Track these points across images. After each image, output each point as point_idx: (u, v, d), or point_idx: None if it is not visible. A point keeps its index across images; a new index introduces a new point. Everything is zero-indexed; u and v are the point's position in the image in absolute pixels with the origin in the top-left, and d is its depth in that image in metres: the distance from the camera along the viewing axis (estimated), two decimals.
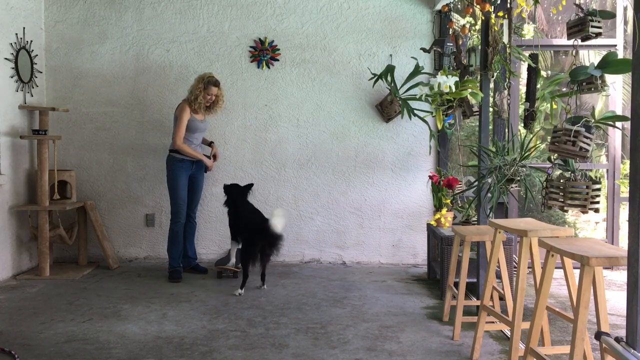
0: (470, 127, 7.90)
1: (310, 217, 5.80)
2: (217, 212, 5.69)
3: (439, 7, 5.51)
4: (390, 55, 5.75)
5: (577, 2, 3.10)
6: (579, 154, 2.93)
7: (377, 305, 4.36)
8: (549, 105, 3.56)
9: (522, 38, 6.70)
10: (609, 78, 3.25)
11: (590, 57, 8.64)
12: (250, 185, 5.06)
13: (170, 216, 5.17)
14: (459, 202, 5.20)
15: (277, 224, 4.61)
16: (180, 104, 5.10)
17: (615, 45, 5.61)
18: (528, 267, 4.16)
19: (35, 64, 5.55)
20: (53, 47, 5.77)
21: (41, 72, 5.68)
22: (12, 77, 5.17)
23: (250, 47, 5.77)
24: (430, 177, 5.25)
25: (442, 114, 4.83)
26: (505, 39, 3.83)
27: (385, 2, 5.75)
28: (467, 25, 4.90)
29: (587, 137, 2.93)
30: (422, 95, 4.52)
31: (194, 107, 5.02)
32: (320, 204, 5.81)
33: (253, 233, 4.69)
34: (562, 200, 3.10)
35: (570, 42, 3.20)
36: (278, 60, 5.77)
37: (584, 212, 3.05)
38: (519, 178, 3.56)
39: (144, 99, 5.81)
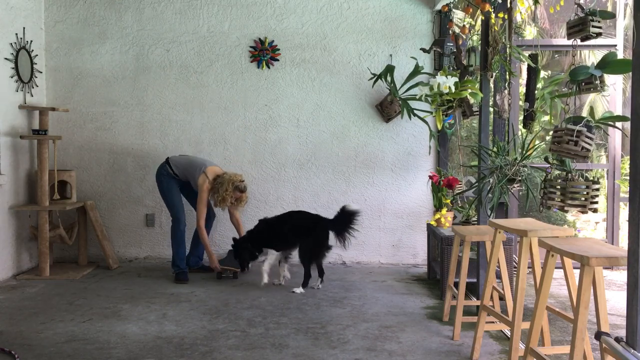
0: (471, 127, 7.90)
1: None
2: (216, 212, 5.69)
3: (439, 7, 5.51)
4: (390, 55, 5.75)
5: (578, 1, 3.10)
6: (580, 154, 2.93)
7: (377, 305, 4.36)
8: (548, 107, 3.56)
9: (523, 38, 6.70)
10: (609, 78, 3.25)
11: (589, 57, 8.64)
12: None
13: (171, 219, 5.20)
14: (459, 202, 5.20)
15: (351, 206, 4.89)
16: (204, 184, 5.02)
17: (615, 45, 5.61)
18: (528, 267, 4.16)
19: (35, 64, 5.55)
20: (53, 47, 5.77)
21: (41, 72, 5.68)
22: (12, 77, 5.17)
23: (250, 47, 5.77)
24: (430, 177, 5.25)
25: (442, 114, 4.83)
26: (505, 39, 3.83)
27: (385, 2, 5.75)
28: (467, 25, 4.89)
29: (588, 137, 2.93)
30: (422, 95, 4.52)
31: (216, 202, 5.05)
32: (320, 204, 5.81)
33: (311, 231, 4.80)
34: (562, 200, 3.09)
35: (570, 42, 3.20)
36: (278, 60, 5.77)
37: (583, 212, 3.05)
38: (520, 178, 3.56)
39: (144, 99, 5.81)
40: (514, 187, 3.62)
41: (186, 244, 5.27)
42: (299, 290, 4.68)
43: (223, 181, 5.01)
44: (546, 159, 3.35)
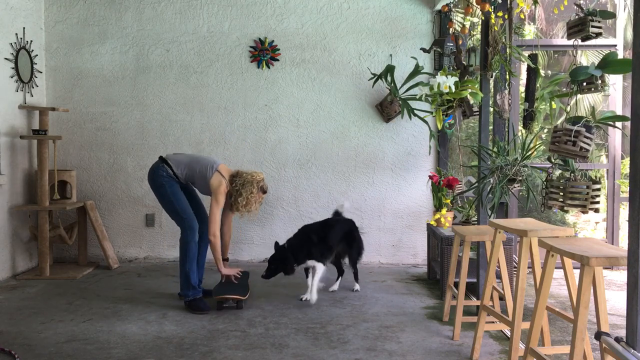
0: (468, 128, 7.90)
1: (310, 217, 5.79)
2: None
3: (439, 7, 5.51)
4: (390, 55, 5.75)
5: (578, 2, 3.10)
6: (579, 154, 2.93)
7: (377, 305, 4.36)
8: (548, 105, 3.56)
9: (522, 38, 6.70)
10: (609, 78, 3.25)
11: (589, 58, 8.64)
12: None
13: (181, 230, 4.29)
14: (459, 202, 5.20)
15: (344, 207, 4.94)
16: (220, 186, 4.18)
17: (615, 45, 5.61)
18: (528, 267, 4.16)
19: (35, 64, 5.55)
20: (53, 47, 5.77)
21: (41, 72, 5.68)
22: (12, 77, 5.17)
23: (250, 47, 5.77)
24: (430, 177, 5.25)
25: (442, 114, 4.83)
26: (505, 39, 3.82)
27: (385, 2, 5.75)
28: (468, 25, 4.89)
29: (587, 137, 2.93)
30: (422, 95, 4.51)
31: (239, 207, 4.23)
32: (320, 204, 5.81)
33: (353, 233, 4.85)
34: (562, 200, 3.09)
35: (570, 42, 3.19)
36: (278, 60, 5.77)
37: (584, 212, 3.05)
38: (520, 178, 3.56)
39: (144, 99, 5.81)
40: (514, 187, 3.62)
41: None
42: (357, 287, 4.81)
43: (245, 182, 4.19)
44: (549, 159, 3.35)
